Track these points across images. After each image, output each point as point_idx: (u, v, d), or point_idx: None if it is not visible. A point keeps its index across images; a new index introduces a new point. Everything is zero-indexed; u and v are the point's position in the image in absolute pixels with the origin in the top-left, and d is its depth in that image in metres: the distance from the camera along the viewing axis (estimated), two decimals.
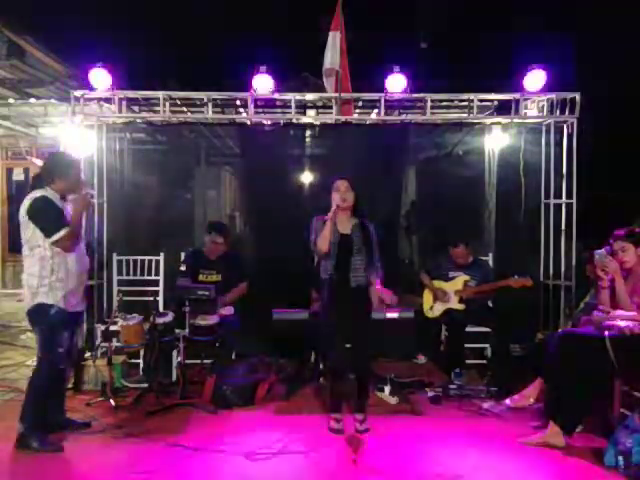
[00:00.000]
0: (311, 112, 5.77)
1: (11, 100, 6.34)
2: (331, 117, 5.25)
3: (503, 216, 5.48)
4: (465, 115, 5.31)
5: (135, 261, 5.09)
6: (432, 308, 4.91)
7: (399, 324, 4.30)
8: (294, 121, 5.27)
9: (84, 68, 4.92)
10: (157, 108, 5.22)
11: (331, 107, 5.28)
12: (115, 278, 5.07)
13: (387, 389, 4.21)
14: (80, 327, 3.79)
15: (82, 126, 5.05)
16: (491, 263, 5.19)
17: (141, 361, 4.64)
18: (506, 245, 5.35)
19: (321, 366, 4.43)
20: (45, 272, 3.31)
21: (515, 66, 5.10)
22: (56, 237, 3.28)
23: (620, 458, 3.05)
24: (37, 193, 3.35)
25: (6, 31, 5.32)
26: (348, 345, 3.70)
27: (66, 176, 3.42)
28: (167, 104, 5.07)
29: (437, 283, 4.93)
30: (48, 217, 3.32)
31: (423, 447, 3.41)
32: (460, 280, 4.84)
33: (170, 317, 4.18)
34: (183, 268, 4.66)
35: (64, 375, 3.65)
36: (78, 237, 3.44)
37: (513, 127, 5.37)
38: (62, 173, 3.42)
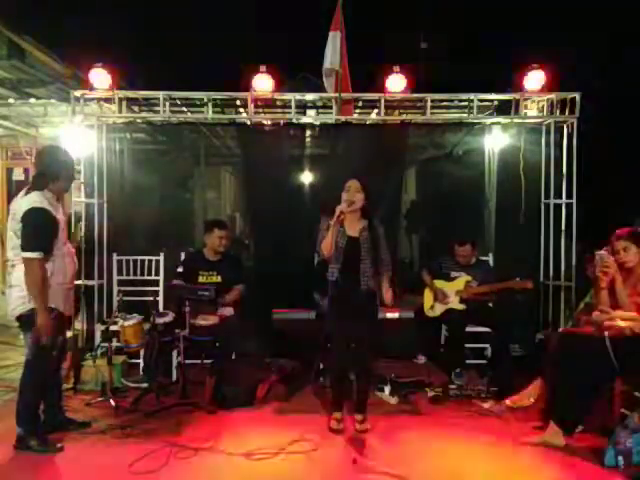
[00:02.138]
0: (311, 112, 5.77)
1: (11, 100, 6.33)
2: (331, 117, 5.25)
3: (503, 216, 5.48)
4: (465, 115, 5.31)
5: (135, 261, 5.09)
6: (432, 307, 4.91)
7: (399, 324, 4.30)
8: (294, 121, 5.27)
9: (84, 68, 4.92)
10: (157, 108, 5.22)
11: (331, 107, 5.27)
12: (115, 278, 5.07)
13: (387, 389, 4.21)
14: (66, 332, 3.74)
15: (82, 126, 5.05)
16: (491, 263, 5.19)
17: (141, 361, 4.64)
18: (506, 245, 5.35)
19: (321, 366, 4.43)
20: (46, 274, 3.24)
21: (515, 66, 5.10)
22: (26, 255, 3.16)
23: (620, 458, 3.06)
24: (37, 201, 3.21)
25: (6, 31, 5.31)
26: (352, 346, 3.70)
27: (70, 176, 3.34)
28: (167, 104, 5.07)
29: (439, 283, 4.92)
30: (32, 233, 3.18)
31: (423, 447, 3.42)
32: (462, 280, 4.83)
33: (170, 317, 4.17)
34: (180, 270, 4.64)
35: (59, 375, 3.65)
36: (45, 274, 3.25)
37: (513, 127, 5.37)
38: (67, 173, 3.33)
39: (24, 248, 3.17)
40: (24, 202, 3.24)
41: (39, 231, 3.20)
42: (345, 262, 3.58)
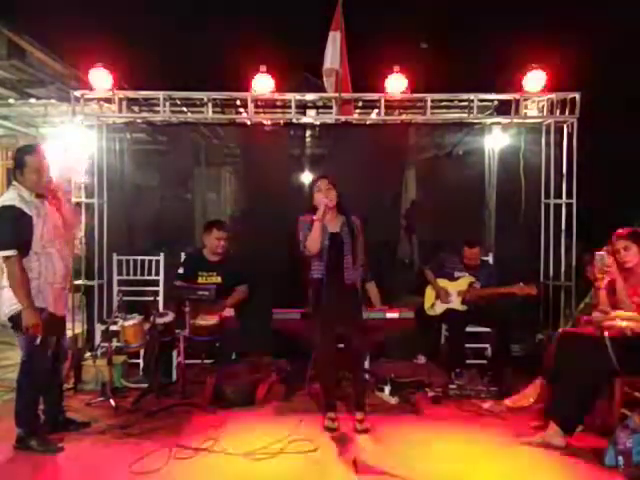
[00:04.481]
0: (311, 112, 5.76)
1: (11, 100, 6.33)
2: (331, 117, 5.25)
3: (503, 216, 5.47)
4: (465, 115, 5.31)
5: (135, 261, 5.09)
6: (433, 306, 4.91)
7: (399, 324, 4.29)
8: (294, 121, 5.27)
9: (84, 68, 4.92)
10: (157, 108, 5.22)
11: (331, 107, 5.27)
12: (115, 278, 5.07)
13: (387, 389, 4.21)
14: (64, 332, 3.73)
15: (82, 126, 5.05)
16: (491, 263, 5.19)
17: (141, 361, 4.64)
18: (506, 245, 5.35)
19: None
20: (33, 274, 3.22)
21: (515, 66, 5.10)
22: (1, 254, 3.17)
23: (620, 458, 3.06)
24: (8, 198, 3.22)
25: (6, 31, 5.31)
26: (341, 345, 3.71)
27: (23, 174, 3.28)
28: (167, 104, 5.07)
29: (441, 282, 4.91)
30: (5, 230, 3.18)
31: (423, 447, 3.42)
32: (465, 281, 4.83)
33: (170, 317, 4.17)
34: (181, 271, 4.64)
35: (59, 375, 3.64)
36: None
37: (513, 127, 5.37)
38: (20, 171, 3.29)
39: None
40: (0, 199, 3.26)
41: (9, 229, 3.19)
42: (329, 258, 3.62)
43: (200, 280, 4.60)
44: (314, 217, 3.58)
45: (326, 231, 3.65)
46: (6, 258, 3.17)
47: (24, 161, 3.30)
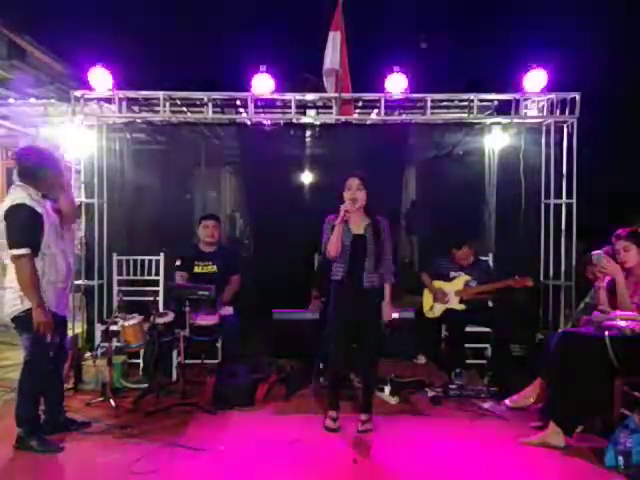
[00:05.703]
0: (311, 112, 5.77)
1: (11, 100, 6.34)
2: (331, 117, 5.25)
3: (503, 216, 5.47)
4: (465, 115, 5.32)
5: (135, 261, 5.09)
6: (432, 308, 4.92)
7: (399, 324, 4.30)
8: (294, 121, 5.27)
9: (84, 68, 4.93)
10: (157, 108, 5.23)
11: (331, 107, 5.28)
12: (115, 278, 5.07)
13: (387, 389, 4.21)
14: (66, 332, 3.72)
15: (82, 126, 5.06)
16: (491, 263, 5.20)
17: (141, 361, 4.64)
18: (506, 245, 5.35)
19: (321, 365, 4.43)
20: (36, 270, 3.20)
21: (515, 66, 5.10)
22: (13, 252, 3.14)
23: (620, 458, 3.06)
24: (18, 197, 3.19)
25: (6, 31, 5.32)
26: (354, 345, 3.69)
27: (41, 178, 3.27)
28: (167, 104, 5.07)
29: (437, 283, 4.93)
30: (16, 229, 3.16)
31: (423, 447, 3.41)
32: (461, 280, 4.85)
33: (170, 317, 4.17)
34: (178, 262, 4.74)
35: (60, 375, 3.64)
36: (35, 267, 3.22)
37: (513, 127, 5.37)
38: (37, 175, 3.26)
39: (10, 246, 3.15)
40: (7, 200, 3.23)
41: (22, 228, 3.17)
42: (351, 261, 3.56)
43: (196, 270, 4.71)
44: (335, 218, 3.51)
45: (349, 233, 3.58)
46: (18, 257, 3.15)
47: (39, 164, 3.27)
